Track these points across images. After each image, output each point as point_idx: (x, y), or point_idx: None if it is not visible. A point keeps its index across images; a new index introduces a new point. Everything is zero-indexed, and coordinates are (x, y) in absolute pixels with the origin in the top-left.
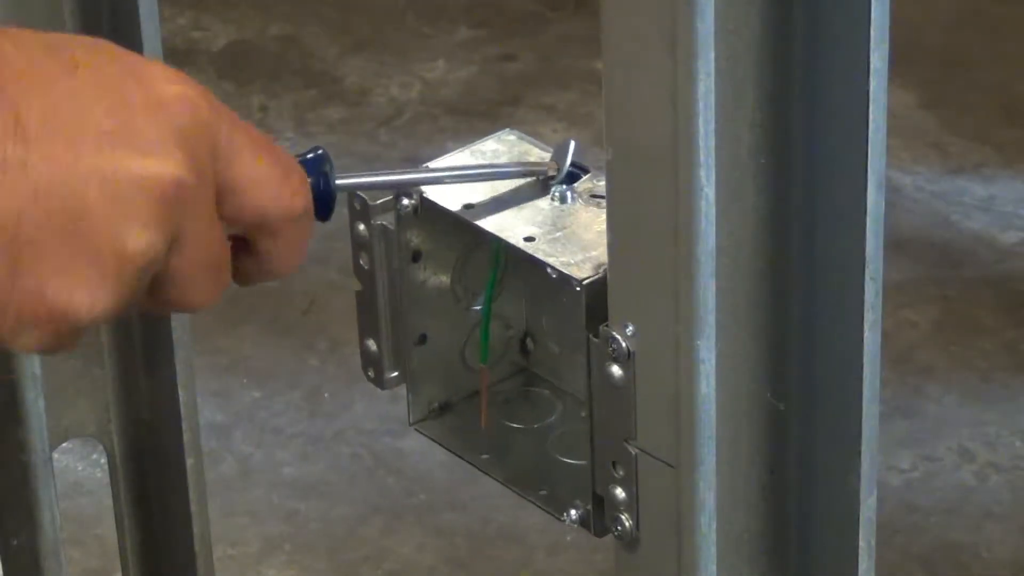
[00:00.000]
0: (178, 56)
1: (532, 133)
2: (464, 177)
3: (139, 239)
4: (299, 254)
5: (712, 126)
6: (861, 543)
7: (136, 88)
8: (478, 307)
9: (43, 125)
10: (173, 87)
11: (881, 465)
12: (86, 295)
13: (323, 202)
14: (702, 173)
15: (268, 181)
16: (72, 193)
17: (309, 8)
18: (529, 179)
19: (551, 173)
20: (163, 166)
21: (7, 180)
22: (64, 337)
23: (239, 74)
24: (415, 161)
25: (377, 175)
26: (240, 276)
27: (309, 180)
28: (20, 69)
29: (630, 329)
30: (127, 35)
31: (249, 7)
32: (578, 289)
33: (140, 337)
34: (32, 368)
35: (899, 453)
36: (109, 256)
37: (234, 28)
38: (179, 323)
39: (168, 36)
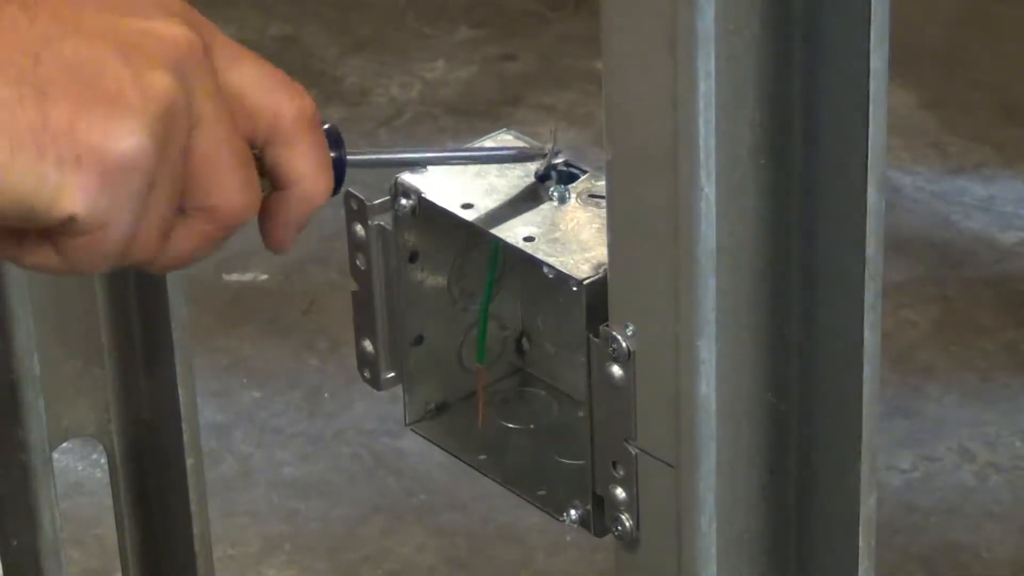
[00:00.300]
0: None
1: (532, 133)
2: (464, 158)
3: (162, 79)
4: (324, 169)
5: (712, 126)
6: (861, 543)
7: None
8: (474, 307)
9: None
10: None
11: (881, 465)
12: (120, 126)
13: (336, 173)
14: (702, 173)
15: (274, 79)
16: (85, 43)
17: (309, 8)
18: (528, 180)
19: (545, 152)
20: (169, 27)
21: (19, 29)
22: (110, 185)
23: None
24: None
25: (383, 153)
26: (273, 220)
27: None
28: None
29: (630, 329)
30: None
31: (249, 7)
32: (577, 289)
33: (140, 337)
34: (32, 368)
35: (899, 453)
36: (134, 93)
37: (234, 28)
38: (179, 323)
39: None
